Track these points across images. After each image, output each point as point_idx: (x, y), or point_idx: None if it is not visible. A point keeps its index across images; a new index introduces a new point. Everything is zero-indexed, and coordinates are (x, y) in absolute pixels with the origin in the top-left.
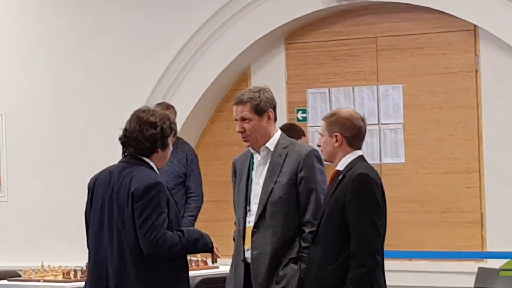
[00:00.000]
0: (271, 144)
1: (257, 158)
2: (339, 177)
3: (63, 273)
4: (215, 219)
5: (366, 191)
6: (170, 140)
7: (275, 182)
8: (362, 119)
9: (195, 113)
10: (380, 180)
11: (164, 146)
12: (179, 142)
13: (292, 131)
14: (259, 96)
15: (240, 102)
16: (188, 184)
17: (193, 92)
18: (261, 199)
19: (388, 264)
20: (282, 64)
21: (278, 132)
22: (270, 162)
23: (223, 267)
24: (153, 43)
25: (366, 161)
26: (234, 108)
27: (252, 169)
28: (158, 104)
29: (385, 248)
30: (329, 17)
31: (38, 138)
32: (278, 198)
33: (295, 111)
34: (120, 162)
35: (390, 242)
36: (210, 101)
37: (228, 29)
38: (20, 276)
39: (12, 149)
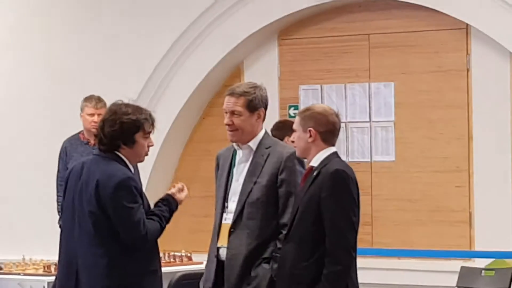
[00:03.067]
0: (253, 143)
1: (239, 155)
2: (314, 174)
3: (44, 267)
4: (206, 214)
5: (342, 188)
6: (140, 136)
7: (255, 182)
8: (337, 115)
9: (187, 108)
10: (355, 177)
11: (130, 143)
12: None
13: (284, 127)
14: (254, 92)
15: (234, 94)
16: None
17: (186, 86)
18: (239, 199)
19: (376, 262)
20: (275, 60)
21: (262, 131)
22: (252, 162)
23: None
24: (145, 38)
25: (340, 157)
26: (227, 99)
27: (234, 165)
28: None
29: (374, 246)
30: (322, 13)
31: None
32: (256, 199)
33: (287, 108)
34: (93, 155)
35: (379, 240)
36: (203, 96)
37: (221, 24)
38: (0, 269)
39: None
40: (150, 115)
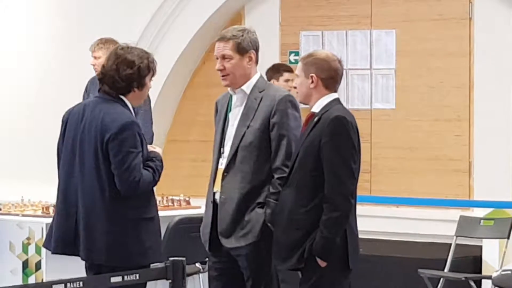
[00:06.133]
0: (247, 87)
1: (234, 99)
2: (315, 119)
3: (43, 208)
4: (204, 159)
5: (342, 134)
6: (149, 79)
7: (248, 126)
8: (339, 61)
9: (187, 53)
10: (356, 124)
11: (141, 86)
12: None
13: (272, 70)
14: (242, 35)
15: (223, 39)
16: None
17: (186, 31)
18: (233, 143)
19: (375, 209)
20: (276, 6)
21: (257, 75)
22: (245, 105)
23: None
24: None
25: (341, 104)
26: (216, 44)
27: (230, 110)
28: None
29: (372, 194)
30: None
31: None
32: (249, 143)
33: (288, 53)
34: (95, 97)
35: (378, 187)
36: (203, 41)
37: None
38: None
39: None
40: (153, 58)
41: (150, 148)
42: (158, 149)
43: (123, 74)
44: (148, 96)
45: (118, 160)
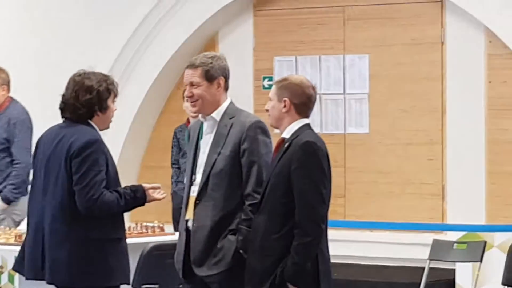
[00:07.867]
0: (217, 114)
1: (205, 126)
2: (285, 145)
3: (15, 236)
4: None
5: (312, 160)
6: (111, 101)
7: (219, 153)
8: (313, 88)
9: (161, 79)
10: (326, 149)
11: (104, 109)
12: (10, 105)
13: None
14: (211, 62)
15: (191, 66)
16: (11, 151)
17: (160, 57)
18: (204, 170)
19: (349, 234)
20: (250, 31)
21: (227, 102)
22: (216, 132)
23: None
24: (119, 7)
25: (312, 129)
26: (185, 72)
27: (201, 137)
28: None
29: (346, 218)
30: None
31: None
32: (220, 170)
33: (262, 79)
34: (63, 122)
35: (351, 212)
36: (177, 66)
37: None
38: None
39: None
40: (113, 80)
41: (147, 185)
42: (158, 194)
43: (83, 100)
44: (29, 122)
45: (78, 176)
